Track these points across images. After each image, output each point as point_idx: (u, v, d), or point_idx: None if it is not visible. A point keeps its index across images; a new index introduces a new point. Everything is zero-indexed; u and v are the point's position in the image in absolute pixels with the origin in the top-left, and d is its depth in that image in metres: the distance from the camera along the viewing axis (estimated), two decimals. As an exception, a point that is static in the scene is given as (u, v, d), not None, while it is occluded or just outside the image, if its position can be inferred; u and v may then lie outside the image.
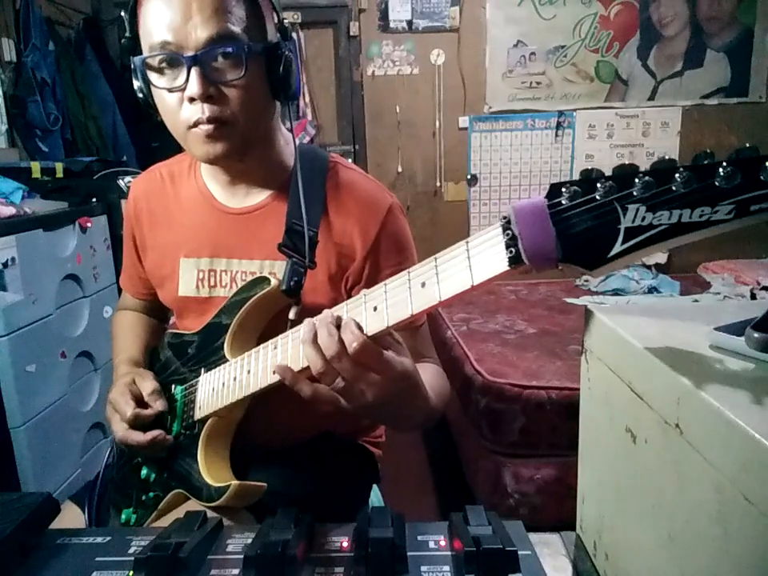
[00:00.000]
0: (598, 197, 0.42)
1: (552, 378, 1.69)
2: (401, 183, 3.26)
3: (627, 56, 3.16)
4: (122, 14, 0.75)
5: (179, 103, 0.72)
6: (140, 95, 0.76)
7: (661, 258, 3.23)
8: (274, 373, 0.67)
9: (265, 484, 0.74)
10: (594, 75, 3.19)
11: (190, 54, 0.69)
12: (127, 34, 0.74)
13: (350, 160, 0.92)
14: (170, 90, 0.72)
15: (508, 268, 0.46)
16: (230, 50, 0.70)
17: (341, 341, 0.55)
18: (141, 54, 0.73)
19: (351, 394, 0.58)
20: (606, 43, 3.14)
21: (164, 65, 0.71)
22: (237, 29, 0.70)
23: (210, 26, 0.68)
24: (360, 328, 0.56)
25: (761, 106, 3.21)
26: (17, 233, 1.62)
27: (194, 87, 0.69)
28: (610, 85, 3.20)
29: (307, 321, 0.59)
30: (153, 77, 0.73)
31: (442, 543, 0.50)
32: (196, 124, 0.72)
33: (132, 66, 0.74)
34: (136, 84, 0.75)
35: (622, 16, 3.11)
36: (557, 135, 3.23)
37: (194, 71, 0.69)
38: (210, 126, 0.72)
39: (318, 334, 0.56)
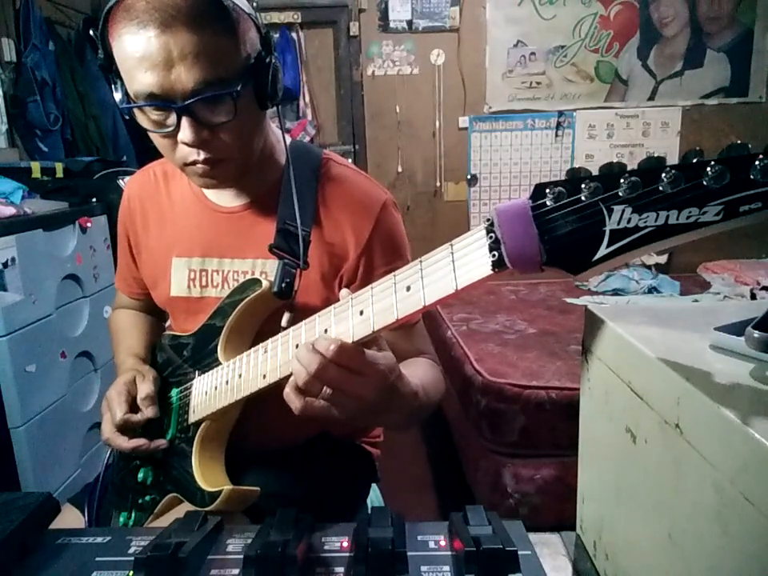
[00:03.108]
0: (583, 198, 0.41)
1: (552, 378, 1.68)
2: (401, 183, 3.26)
3: (627, 56, 3.16)
4: (91, 32, 0.72)
5: (172, 144, 0.71)
6: (127, 117, 0.73)
7: (661, 258, 3.23)
8: (264, 377, 0.67)
9: (258, 488, 0.73)
10: (594, 75, 3.19)
11: (178, 103, 0.66)
12: (100, 54, 0.70)
13: (349, 160, 0.91)
14: (162, 136, 0.71)
15: (491, 272, 0.45)
16: (218, 93, 0.67)
17: (318, 352, 0.55)
18: (118, 74, 0.69)
19: (341, 402, 0.58)
20: (606, 43, 3.14)
21: (152, 111, 0.69)
22: (221, 70, 0.66)
23: (194, 74, 0.65)
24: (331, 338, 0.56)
25: (761, 106, 3.21)
26: (17, 233, 1.62)
27: (186, 135, 0.68)
28: (610, 85, 3.20)
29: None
30: (140, 117, 0.71)
31: (442, 543, 0.50)
32: (193, 163, 0.72)
33: (113, 87, 0.71)
34: (120, 106, 0.71)
35: (621, 16, 3.10)
36: (557, 135, 3.23)
37: (184, 119, 0.67)
38: (207, 166, 0.72)
39: (298, 355, 0.57)
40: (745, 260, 3.08)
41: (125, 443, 0.78)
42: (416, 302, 0.51)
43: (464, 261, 0.48)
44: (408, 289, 0.52)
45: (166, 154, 0.75)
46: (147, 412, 0.80)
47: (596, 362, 0.68)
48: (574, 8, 3.09)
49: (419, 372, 0.77)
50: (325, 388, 0.57)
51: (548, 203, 0.42)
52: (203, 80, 0.65)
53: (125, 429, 0.79)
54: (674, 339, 0.59)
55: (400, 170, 3.26)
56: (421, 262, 0.52)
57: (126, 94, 0.70)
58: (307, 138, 3.09)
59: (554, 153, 3.26)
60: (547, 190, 0.42)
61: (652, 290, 2.74)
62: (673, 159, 0.38)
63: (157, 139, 0.73)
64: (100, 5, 2.96)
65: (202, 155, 0.71)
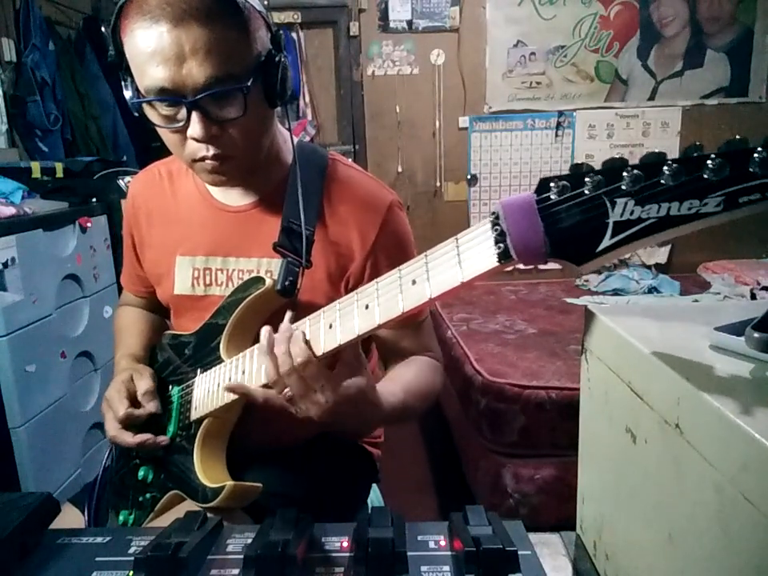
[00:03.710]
0: (586, 191, 0.42)
1: (552, 378, 1.68)
2: (401, 183, 3.26)
3: (627, 56, 3.16)
4: (103, 30, 0.73)
5: (182, 140, 0.71)
6: (136, 113, 0.74)
7: (661, 257, 3.23)
8: None
9: (260, 485, 0.74)
10: (594, 75, 3.18)
11: (189, 98, 0.67)
12: (111, 52, 0.71)
13: (350, 160, 0.91)
14: (172, 132, 0.71)
15: (497, 264, 0.47)
16: (228, 89, 0.68)
17: (290, 354, 0.59)
18: (129, 70, 0.70)
19: (299, 406, 0.63)
20: (606, 43, 3.13)
21: (162, 106, 0.70)
22: (232, 66, 0.67)
23: (205, 69, 0.65)
24: (307, 342, 0.60)
25: (761, 105, 3.21)
26: (17, 233, 1.62)
27: (196, 131, 0.68)
28: (610, 85, 3.19)
29: (265, 329, 0.64)
30: (150, 113, 0.71)
31: (442, 543, 0.50)
32: (202, 159, 0.72)
33: (123, 84, 0.72)
34: (130, 102, 0.72)
35: (621, 16, 3.10)
36: (557, 135, 3.23)
37: (194, 114, 0.68)
38: (216, 162, 0.72)
39: (275, 348, 0.61)
40: (745, 260, 3.08)
41: (130, 439, 0.78)
42: (422, 294, 0.52)
43: (470, 254, 0.49)
44: (413, 282, 0.53)
45: (174, 151, 0.75)
46: (149, 407, 0.81)
47: (596, 361, 0.68)
48: (574, 8, 3.09)
49: (413, 379, 0.80)
50: (287, 390, 0.61)
51: (552, 197, 0.44)
52: (214, 75, 0.66)
53: (128, 425, 0.80)
54: (674, 339, 0.59)
55: (400, 169, 3.26)
56: (426, 255, 0.53)
57: (136, 89, 0.70)
58: (307, 138, 3.09)
59: (554, 153, 3.25)
60: (551, 184, 0.43)
61: (652, 290, 2.74)
62: (673, 158, 0.39)
63: (166, 135, 0.73)
64: (100, 4, 2.97)
65: (211, 151, 0.71)
